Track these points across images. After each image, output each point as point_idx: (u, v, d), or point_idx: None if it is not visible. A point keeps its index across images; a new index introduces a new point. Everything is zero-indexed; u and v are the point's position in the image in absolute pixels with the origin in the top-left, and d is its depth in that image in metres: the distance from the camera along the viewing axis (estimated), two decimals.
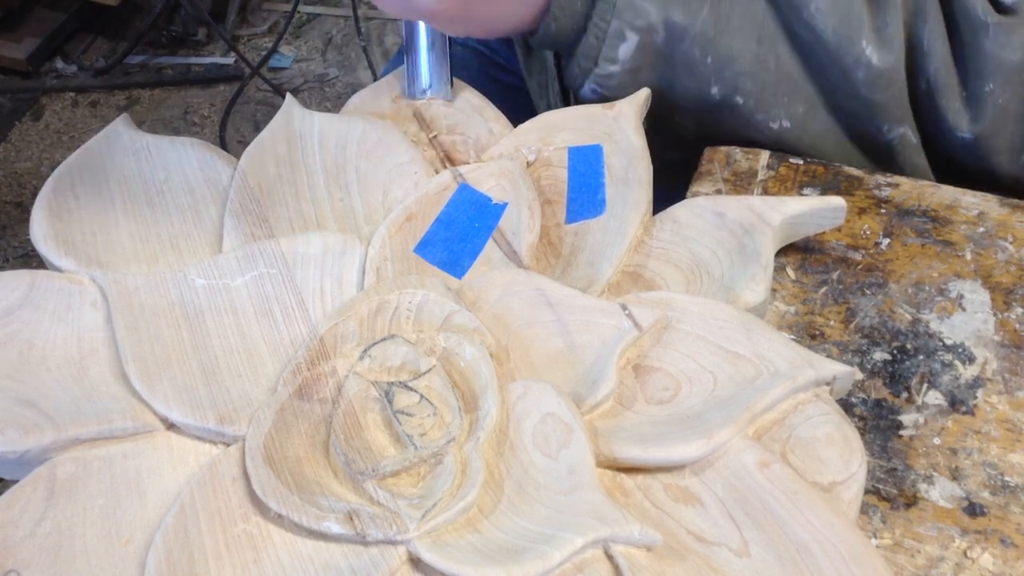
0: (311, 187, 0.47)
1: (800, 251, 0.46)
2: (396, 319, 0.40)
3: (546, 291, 0.40)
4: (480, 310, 0.40)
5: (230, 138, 1.68)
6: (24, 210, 1.57)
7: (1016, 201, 0.47)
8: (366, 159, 0.48)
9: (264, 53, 1.84)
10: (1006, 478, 0.37)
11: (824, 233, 0.46)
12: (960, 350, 0.41)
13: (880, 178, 0.49)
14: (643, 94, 0.49)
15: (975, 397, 0.40)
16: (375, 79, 0.56)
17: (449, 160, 0.49)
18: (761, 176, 0.49)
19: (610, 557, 0.32)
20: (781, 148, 0.50)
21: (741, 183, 0.49)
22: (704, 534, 0.33)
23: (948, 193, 0.48)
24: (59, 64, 1.83)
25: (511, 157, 0.47)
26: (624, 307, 0.39)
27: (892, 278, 0.44)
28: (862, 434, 0.38)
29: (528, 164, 0.48)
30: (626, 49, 0.48)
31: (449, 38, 0.51)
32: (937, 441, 0.38)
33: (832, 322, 0.43)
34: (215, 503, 0.34)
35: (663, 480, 0.35)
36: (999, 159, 0.49)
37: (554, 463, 0.35)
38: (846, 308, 0.43)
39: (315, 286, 0.42)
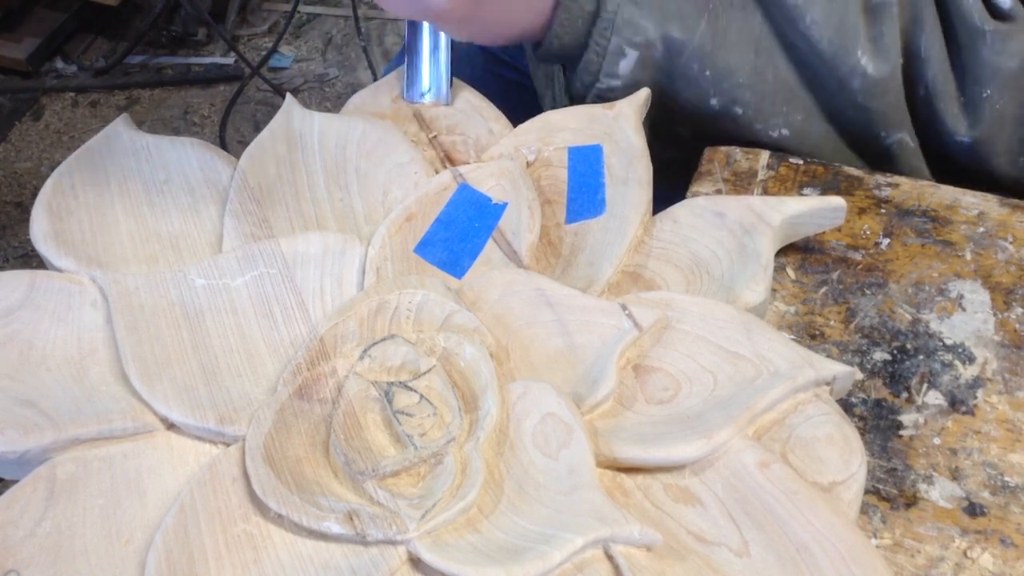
0: (311, 187, 0.47)
1: (800, 251, 0.46)
2: (396, 319, 0.40)
3: (546, 291, 0.40)
4: (480, 310, 0.40)
5: (230, 138, 1.68)
6: (24, 210, 1.57)
7: (1016, 201, 0.47)
8: (366, 159, 0.48)
9: (264, 53, 1.84)
10: (1006, 478, 0.37)
11: (824, 233, 0.46)
12: (960, 350, 0.41)
13: (880, 178, 0.49)
14: (643, 94, 0.49)
15: (975, 397, 0.40)
16: (375, 79, 0.56)
17: (449, 160, 0.49)
18: (761, 176, 0.49)
19: (610, 557, 0.32)
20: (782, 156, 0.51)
21: (741, 183, 0.49)
22: (704, 534, 0.33)
23: (948, 193, 0.48)
24: (59, 64, 1.83)
25: (511, 157, 0.47)
26: (624, 307, 0.39)
27: (892, 278, 0.44)
28: (862, 434, 0.38)
29: (528, 164, 0.48)
30: (626, 65, 0.49)
31: (453, 42, 0.51)
32: (937, 441, 0.38)
33: (832, 322, 0.43)
34: (215, 503, 0.34)
35: (663, 480, 0.35)
36: (998, 161, 0.49)
37: (554, 463, 0.35)
38: (846, 308, 0.43)
39: (315, 286, 0.42)
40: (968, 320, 0.42)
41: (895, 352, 0.42)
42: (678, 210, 0.44)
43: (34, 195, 0.47)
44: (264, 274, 0.42)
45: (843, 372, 0.37)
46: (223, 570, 0.33)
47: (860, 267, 0.45)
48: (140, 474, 0.36)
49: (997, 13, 0.47)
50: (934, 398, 0.40)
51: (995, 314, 0.43)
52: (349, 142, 0.48)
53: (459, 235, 0.44)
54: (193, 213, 0.46)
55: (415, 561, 0.33)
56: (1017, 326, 0.42)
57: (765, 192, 0.48)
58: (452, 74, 0.51)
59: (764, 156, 0.50)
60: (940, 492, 0.37)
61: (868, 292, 0.44)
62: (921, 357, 0.41)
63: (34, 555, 0.33)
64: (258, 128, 1.54)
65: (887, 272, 0.45)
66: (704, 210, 0.44)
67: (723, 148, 0.51)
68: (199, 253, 0.44)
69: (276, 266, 0.42)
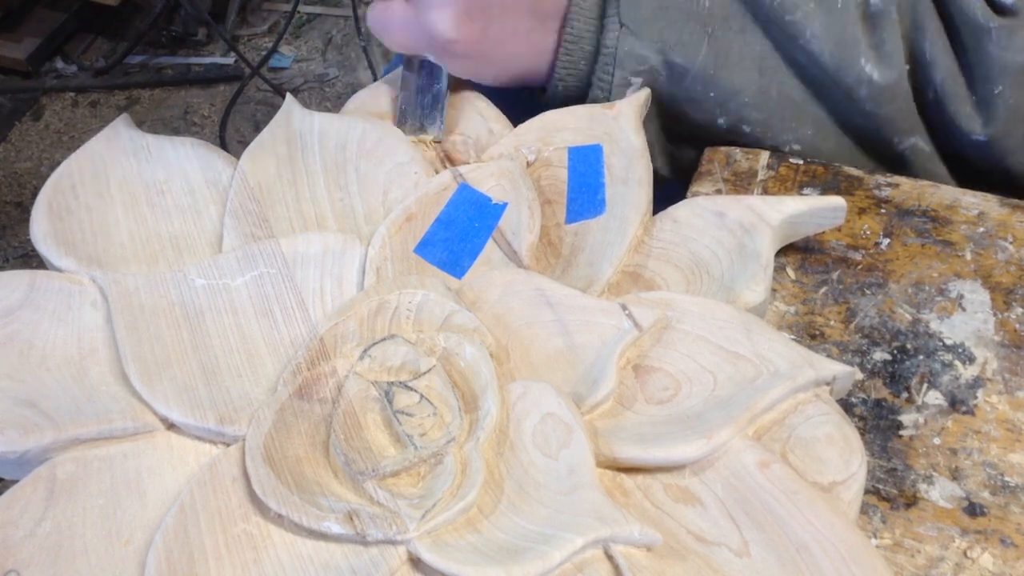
0: (311, 187, 0.47)
1: (800, 251, 0.46)
2: (396, 319, 0.40)
3: (546, 291, 0.40)
4: (480, 310, 0.40)
5: (230, 138, 1.68)
6: (24, 210, 1.57)
7: (1016, 201, 0.47)
8: (366, 159, 0.48)
9: (264, 53, 1.84)
10: (1006, 478, 0.37)
11: (824, 233, 0.46)
12: (960, 350, 0.41)
13: (880, 178, 0.49)
14: (643, 94, 0.49)
15: (975, 397, 0.40)
16: (375, 79, 0.56)
17: (449, 160, 0.49)
18: (761, 176, 0.49)
19: (610, 557, 0.32)
20: None
21: (741, 183, 0.49)
22: (704, 534, 0.33)
23: (948, 193, 0.48)
24: (59, 64, 1.84)
25: (511, 157, 0.47)
26: (624, 307, 0.39)
27: (892, 278, 0.44)
28: (862, 434, 0.38)
29: (528, 164, 0.48)
30: (632, 94, 0.50)
31: (450, 79, 0.51)
32: (937, 441, 0.38)
33: (832, 322, 0.43)
34: (215, 503, 0.34)
35: (663, 480, 0.35)
36: (1014, 159, 0.49)
37: (554, 463, 0.35)
38: (846, 308, 0.43)
39: (315, 286, 0.42)
40: (968, 320, 0.42)
41: (895, 352, 0.42)
42: (678, 210, 0.44)
43: (34, 195, 0.47)
44: (264, 274, 0.42)
45: (843, 372, 0.37)
46: (223, 570, 0.33)
47: (860, 267, 0.45)
48: (140, 474, 0.36)
49: (1000, 9, 0.46)
50: (934, 398, 0.40)
51: (995, 314, 0.42)
52: (349, 142, 0.48)
53: (459, 235, 0.44)
54: (193, 213, 0.46)
55: (415, 561, 0.33)
56: (1017, 326, 0.42)
57: (765, 192, 0.48)
58: (445, 111, 0.51)
59: (764, 156, 0.50)
60: (940, 492, 0.37)
61: (868, 292, 0.44)
62: (921, 357, 0.41)
63: (34, 555, 0.33)
64: (258, 128, 1.54)
65: (887, 272, 0.45)
66: (704, 210, 0.44)
67: (723, 148, 0.51)
68: (199, 253, 0.44)
69: (276, 266, 0.42)
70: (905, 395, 0.40)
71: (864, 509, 0.36)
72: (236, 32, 1.92)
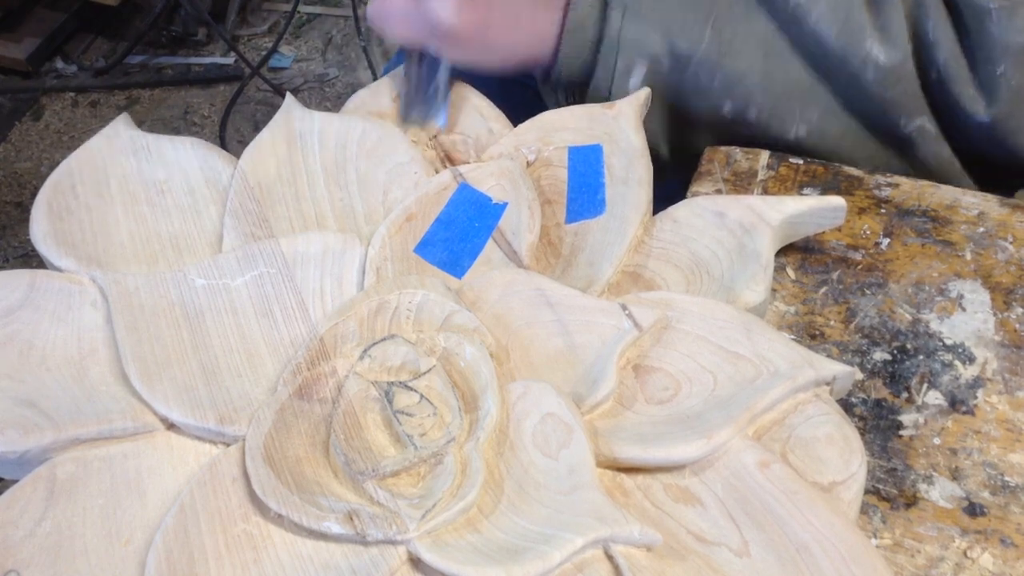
0: (311, 187, 0.47)
1: (800, 251, 0.46)
2: (396, 319, 0.40)
3: (546, 291, 0.40)
4: (480, 310, 0.40)
5: (230, 138, 1.68)
6: (24, 210, 1.57)
7: (1016, 201, 0.47)
8: (366, 159, 0.48)
9: (264, 53, 1.83)
10: (1006, 478, 0.37)
11: (824, 233, 0.46)
12: (960, 350, 0.41)
13: (880, 178, 0.49)
14: (643, 94, 0.49)
15: (975, 397, 0.40)
16: (375, 79, 0.56)
17: (449, 160, 0.49)
18: (761, 176, 0.49)
19: (610, 557, 0.32)
20: (803, 155, 0.51)
21: (741, 183, 0.49)
22: (704, 534, 0.33)
23: (948, 193, 0.48)
24: (59, 64, 1.83)
25: (511, 157, 0.47)
26: (624, 307, 0.39)
27: (892, 278, 0.44)
28: (862, 434, 0.38)
29: (528, 164, 0.48)
30: (635, 82, 0.50)
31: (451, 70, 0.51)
32: (937, 441, 0.38)
33: (832, 322, 0.43)
34: (215, 503, 0.34)
35: (663, 480, 0.35)
36: (1017, 139, 0.49)
37: (554, 463, 0.35)
38: (846, 308, 0.43)
39: (315, 286, 0.42)
40: (968, 320, 0.42)
41: (895, 352, 0.42)
42: (678, 210, 0.44)
43: (34, 195, 0.47)
44: (264, 274, 0.42)
45: (843, 372, 0.37)
46: (223, 570, 0.33)
47: (860, 267, 0.45)
48: (140, 474, 0.36)
49: None
50: (934, 398, 0.40)
51: (995, 314, 0.42)
52: (349, 142, 0.48)
53: (459, 235, 0.44)
54: (193, 213, 0.46)
55: (415, 561, 0.33)
56: (1017, 326, 0.42)
57: (765, 192, 0.48)
58: (448, 100, 0.51)
59: (764, 156, 0.50)
60: (940, 492, 0.37)
61: (868, 292, 0.44)
62: (921, 357, 0.41)
63: (34, 555, 0.33)
64: (258, 128, 1.53)
65: (887, 272, 0.45)
66: (704, 210, 0.44)
67: (723, 148, 0.51)
68: (199, 253, 0.44)
69: (276, 266, 0.42)
70: (905, 395, 0.40)
71: (864, 509, 0.36)
72: (236, 32, 1.92)
